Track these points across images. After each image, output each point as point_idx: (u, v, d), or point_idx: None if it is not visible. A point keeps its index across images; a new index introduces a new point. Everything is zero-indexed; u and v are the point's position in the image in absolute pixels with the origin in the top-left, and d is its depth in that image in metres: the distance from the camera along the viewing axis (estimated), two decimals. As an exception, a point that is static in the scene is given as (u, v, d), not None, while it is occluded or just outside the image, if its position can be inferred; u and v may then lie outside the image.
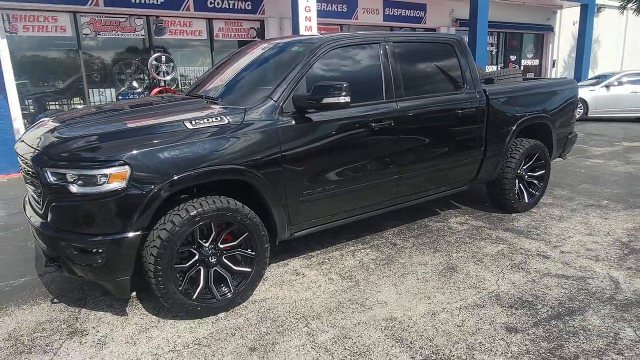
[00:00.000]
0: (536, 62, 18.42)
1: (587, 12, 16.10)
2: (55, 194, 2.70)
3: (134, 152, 2.68)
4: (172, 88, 10.10)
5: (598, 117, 12.87)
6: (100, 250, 2.69)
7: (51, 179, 2.68)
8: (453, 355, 2.61)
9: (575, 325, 2.89)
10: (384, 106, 3.71)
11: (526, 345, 2.70)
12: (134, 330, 2.91)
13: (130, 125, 3.01)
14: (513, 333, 2.82)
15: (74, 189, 2.64)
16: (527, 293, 3.29)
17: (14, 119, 7.82)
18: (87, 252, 2.71)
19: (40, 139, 2.93)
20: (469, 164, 4.44)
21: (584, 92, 12.74)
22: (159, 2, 9.71)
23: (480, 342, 2.73)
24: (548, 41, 18.28)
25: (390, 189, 3.90)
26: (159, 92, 9.28)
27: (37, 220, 2.92)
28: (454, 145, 4.23)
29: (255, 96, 3.32)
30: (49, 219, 2.80)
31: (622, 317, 2.97)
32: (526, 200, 4.97)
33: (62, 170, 2.66)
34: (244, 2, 10.89)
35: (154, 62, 9.86)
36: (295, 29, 9.81)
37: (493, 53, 16.88)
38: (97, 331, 2.91)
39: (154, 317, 3.06)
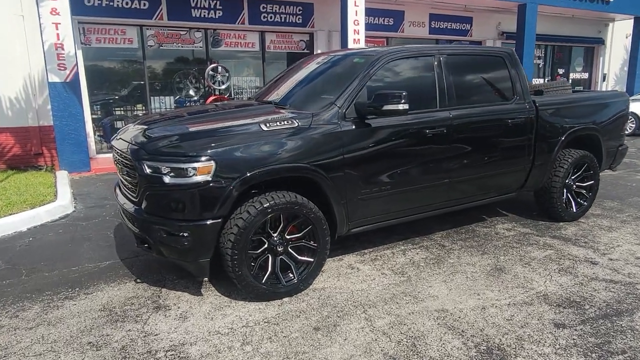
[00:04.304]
0: (585, 75, 18.06)
1: (641, 24, 15.72)
2: (150, 183, 3.11)
3: (219, 149, 3.06)
4: (226, 96, 10.69)
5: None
6: (187, 234, 3.07)
7: (147, 170, 3.09)
8: (503, 344, 2.81)
9: (623, 325, 3.02)
10: (438, 114, 3.97)
11: (574, 339, 2.86)
12: (210, 308, 3.27)
13: (212, 126, 3.41)
14: (561, 328, 2.98)
15: (166, 179, 3.04)
16: (574, 294, 3.44)
17: (86, 122, 8.53)
18: (175, 236, 3.09)
19: (136, 137, 3.36)
20: (518, 171, 4.61)
21: (635, 107, 12.44)
22: (216, 16, 10.35)
23: (529, 335, 2.91)
24: (599, 54, 17.91)
25: (441, 192, 4.13)
26: (214, 100, 9.87)
27: (131, 207, 3.35)
28: (503, 153, 4.42)
29: (320, 103, 3.65)
30: (142, 206, 3.21)
31: (671, 320, 3.08)
32: (574, 210, 5.06)
33: (157, 164, 3.07)
34: (294, 16, 11.40)
35: (211, 72, 10.47)
36: (344, 42, 10.20)
37: (540, 66, 16.70)
38: (178, 307, 3.29)
39: (226, 298, 3.42)
